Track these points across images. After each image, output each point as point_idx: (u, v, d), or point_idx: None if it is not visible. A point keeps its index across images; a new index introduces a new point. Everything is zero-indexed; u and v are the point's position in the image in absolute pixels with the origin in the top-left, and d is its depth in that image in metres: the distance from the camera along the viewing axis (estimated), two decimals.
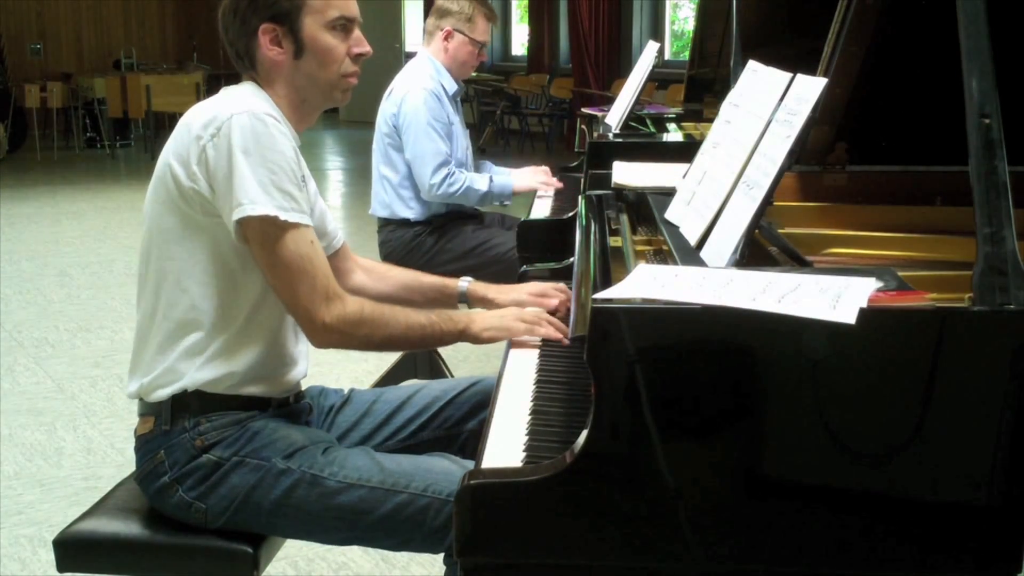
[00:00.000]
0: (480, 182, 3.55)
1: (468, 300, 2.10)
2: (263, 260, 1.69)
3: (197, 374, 1.73)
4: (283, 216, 1.65)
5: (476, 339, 1.85)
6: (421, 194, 3.52)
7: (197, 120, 1.70)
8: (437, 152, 3.45)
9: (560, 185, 3.80)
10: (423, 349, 2.06)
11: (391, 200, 3.59)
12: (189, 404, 1.74)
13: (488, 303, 2.07)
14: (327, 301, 1.69)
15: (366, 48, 1.82)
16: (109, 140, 11.37)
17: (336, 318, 1.69)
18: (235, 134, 1.65)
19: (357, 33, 1.81)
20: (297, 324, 1.76)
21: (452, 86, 3.59)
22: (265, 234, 1.66)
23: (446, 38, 3.56)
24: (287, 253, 1.67)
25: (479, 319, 1.85)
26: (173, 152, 1.72)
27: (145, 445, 1.77)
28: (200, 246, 1.72)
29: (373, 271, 2.15)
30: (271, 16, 1.74)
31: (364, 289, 2.11)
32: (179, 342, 1.74)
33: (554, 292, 2.01)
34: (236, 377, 1.75)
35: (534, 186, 3.76)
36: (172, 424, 1.74)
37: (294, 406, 1.88)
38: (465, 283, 2.10)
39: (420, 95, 3.45)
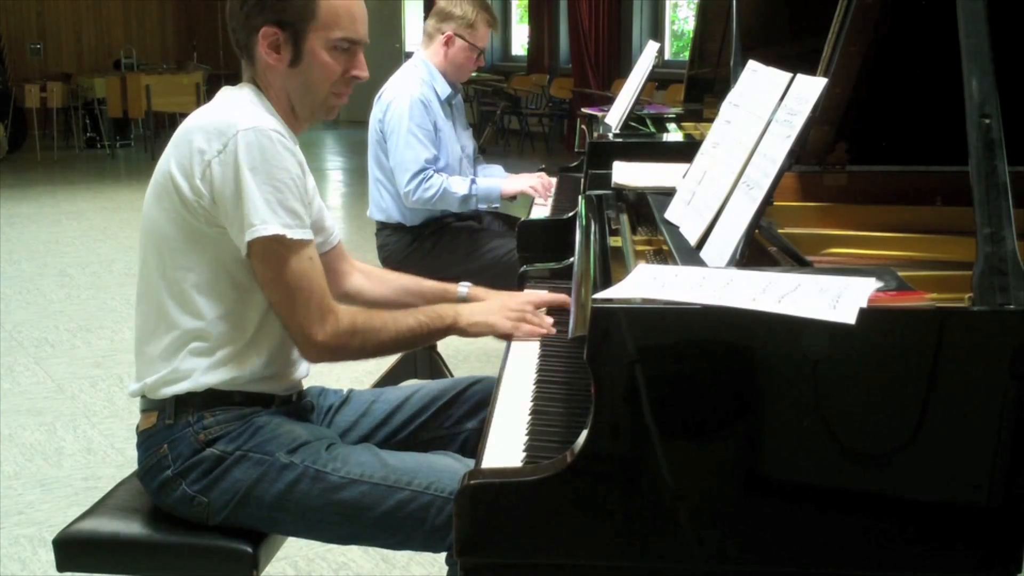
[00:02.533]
0: (458, 185, 3.47)
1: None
2: (262, 276, 1.70)
3: (203, 378, 1.74)
4: (289, 234, 1.66)
5: (464, 332, 1.87)
6: (403, 201, 3.50)
7: (199, 131, 1.69)
8: (415, 159, 3.41)
9: (550, 189, 3.73)
10: (416, 348, 2.11)
11: (387, 204, 3.58)
12: (193, 400, 1.74)
13: None
14: (321, 318, 1.70)
15: (363, 73, 1.80)
16: (109, 140, 11.38)
17: (330, 335, 1.71)
18: (242, 151, 1.64)
19: (359, 56, 1.79)
20: (292, 340, 1.76)
21: (445, 90, 3.56)
22: (268, 251, 1.67)
23: (446, 43, 3.53)
24: (287, 271, 1.68)
25: (466, 313, 1.88)
26: (176, 163, 1.70)
27: (148, 440, 1.78)
28: (205, 257, 1.72)
29: (371, 275, 2.15)
30: (276, 20, 1.72)
31: (363, 292, 2.10)
32: (184, 349, 1.74)
33: (552, 301, 2.00)
34: (242, 381, 1.76)
35: (523, 189, 3.68)
36: (176, 419, 1.74)
37: (297, 404, 1.89)
38: (465, 288, 2.10)
39: (405, 102, 3.42)
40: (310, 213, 1.87)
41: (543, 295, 2.06)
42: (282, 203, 1.66)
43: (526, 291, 2.07)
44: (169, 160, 1.72)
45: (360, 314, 1.78)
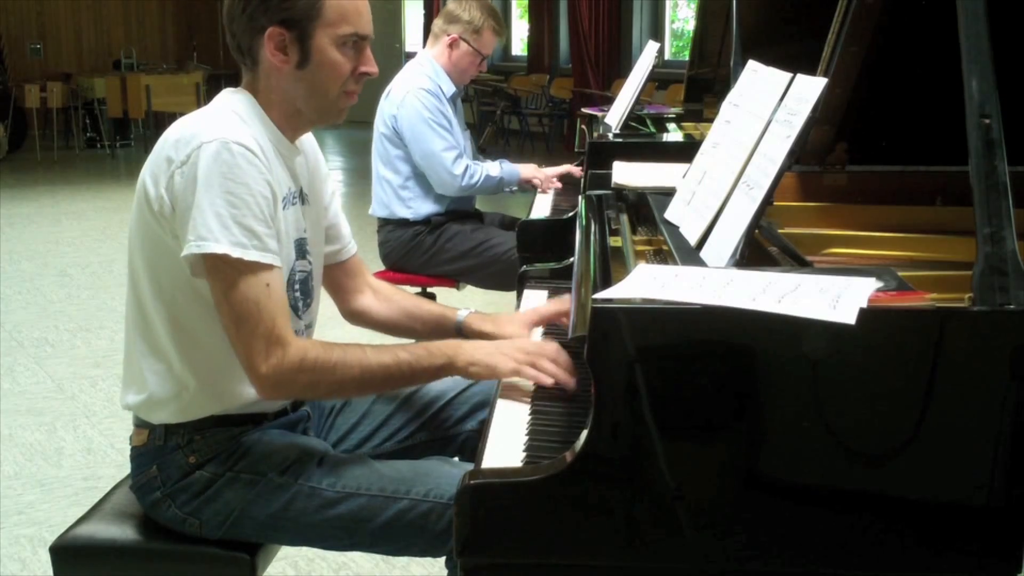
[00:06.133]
0: (493, 168, 3.64)
1: (464, 331, 1.98)
2: (214, 297, 1.60)
3: (185, 411, 1.70)
4: (236, 254, 1.56)
5: (463, 374, 1.69)
6: (443, 190, 3.55)
7: (173, 140, 1.63)
8: (450, 147, 3.49)
9: (555, 186, 3.83)
10: (396, 390, 1.89)
11: (390, 200, 3.60)
12: (183, 422, 1.71)
13: (485, 336, 1.93)
14: (267, 348, 1.58)
15: (373, 68, 1.73)
16: (109, 140, 11.38)
17: (273, 368, 1.58)
18: (201, 164, 1.57)
19: (367, 52, 1.72)
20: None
21: (450, 88, 3.60)
22: (216, 271, 1.58)
23: (450, 44, 3.57)
24: (235, 294, 1.57)
25: (466, 352, 1.68)
26: (149, 168, 1.65)
27: (139, 457, 1.76)
28: (169, 270, 1.65)
29: (380, 292, 2.06)
30: (282, 20, 1.65)
31: (369, 312, 2.04)
32: (156, 363, 1.70)
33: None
34: (230, 410, 1.73)
35: (538, 176, 3.83)
36: (166, 440, 1.72)
37: (292, 416, 1.84)
38: (464, 312, 2.00)
39: (419, 96, 3.47)
40: (320, 223, 1.83)
41: (543, 314, 1.98)
42: (237, 220, 1.56)
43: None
44: (146, 166, 1.67)
45: (315, 349, 1.61)
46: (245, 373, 1.62)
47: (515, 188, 3.80)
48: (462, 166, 3.50)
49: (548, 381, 1.63)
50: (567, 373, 1.64)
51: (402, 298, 2.07)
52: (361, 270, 2.04)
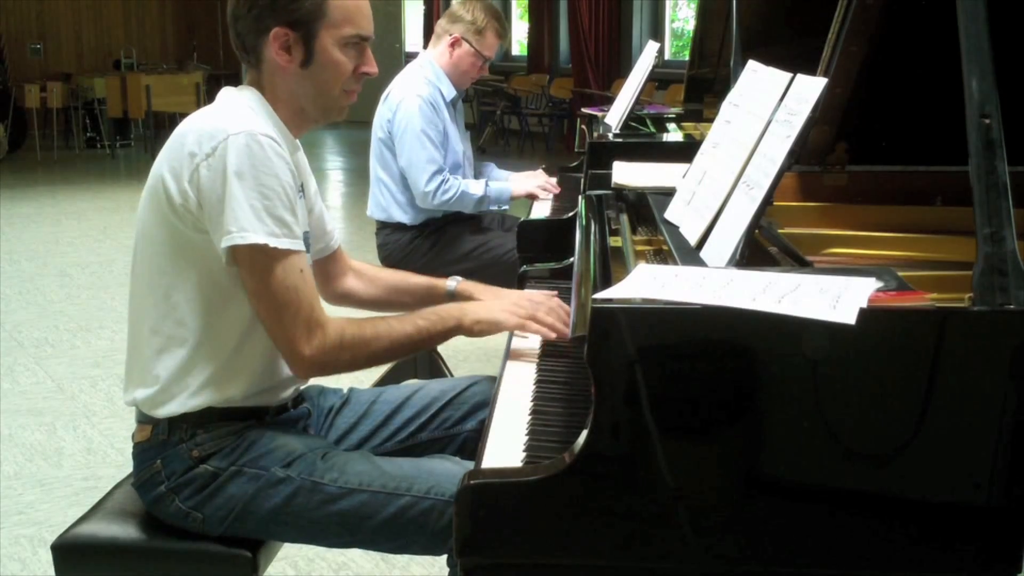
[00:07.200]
0: (475, 187, 3.52)
1: (457, 300, 2.04)
2: (250, 287, 1.65)
3: (191, 400, 1.71)
4: (273, 243, 1.61)
5: (469, 333, 1.82)
6: (417, 201, 3.51)
7: (192, 133, 1.65)
8: (431, 160, 3.42)
9: (557, 190, 3.79)
10: (417, 352, 2.02)
11: (387, 204, 3.59)
12: (187, 417, 1.72)
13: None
14: (308, 332, 1.65)
15: (373, 68, 1.78)
16: (109, 140, 11.39)
17: (316, 349, 1.66)
18: (231, 156, 1.60)
19: (368, 52, 1.78)
20: (280, 354, 1.72)
21: (450, 92, 3.57)
22: (254, 261, 1.63)
23: (452, 44, 3.54)
24: (274, 283, 1.63)
25: (471, 311, 1.83)
26: (167, 164, 1.67)
27: (142, 453, 1.76)
28: (190, 264, 1.68)
29: (363, 274, 2.12)
30: (287, 21, 1.69)
31: (354, 293, 2.10)
32: (167, 361, 1.71)
33: (545, 300, 1.94)
34: (234, 401, 1.74)
35: (532, 191, 3.74)
36: (169, 434, 1.73)
37: (292, 412, 1.86)
38: (454, 283, 2.07)
39: (415, 102, 3.43)
40: (308, 220, 1.85)
41: (536, 293, 2.05)
42: (269, 211, 1.61)
43: (528, 291, 2.01)
44: (162, 162, 1.69)
45: (350, 326, 1.70)
46: (285, 358, 1.70)
47: (506, 207, 3.68)
48: (436, 182, 3.42)
49: (551, 335, 1.77)
50: (565, 324, 1.77)
51: (387, 276, 2.16)
52: (343, 255, 2.11)
